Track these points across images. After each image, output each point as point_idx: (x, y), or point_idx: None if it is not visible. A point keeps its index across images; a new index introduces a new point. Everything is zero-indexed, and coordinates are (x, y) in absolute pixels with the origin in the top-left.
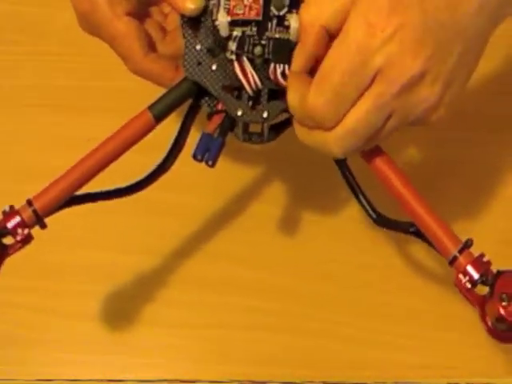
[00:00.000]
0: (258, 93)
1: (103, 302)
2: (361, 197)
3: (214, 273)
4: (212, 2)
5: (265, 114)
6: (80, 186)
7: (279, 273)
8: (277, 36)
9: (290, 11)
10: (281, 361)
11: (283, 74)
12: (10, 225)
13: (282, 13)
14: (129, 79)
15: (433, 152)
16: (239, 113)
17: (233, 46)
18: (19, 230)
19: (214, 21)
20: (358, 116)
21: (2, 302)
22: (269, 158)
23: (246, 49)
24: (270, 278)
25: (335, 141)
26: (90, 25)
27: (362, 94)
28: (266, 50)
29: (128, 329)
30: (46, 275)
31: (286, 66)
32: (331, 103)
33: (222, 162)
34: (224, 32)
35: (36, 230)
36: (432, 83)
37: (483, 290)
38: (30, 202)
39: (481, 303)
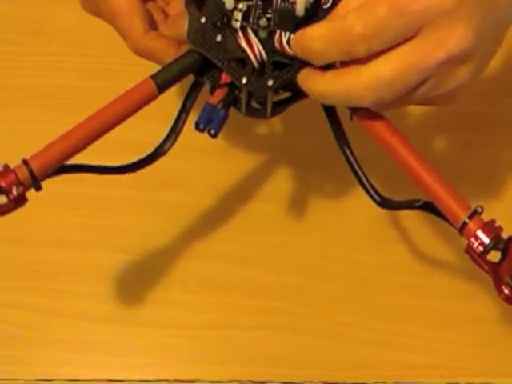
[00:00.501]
0: (262, 65)
1: (103, 303)
2: (364, 181)
3: (214, 273)
4: None
5: (270, 82)
6: (76, 150)
7: (279, 272)
8: (281, 10)
9: None
10: (281, 361)
11: (289, 43)
12: (3, 182)
13: None
14: (129, 79)
15: (438, 152)
16: (244, 80)
17: (238, 15)
18: (13, 189)
19: None
20: (397, 69)
21: (1, 302)
22: (270, 154)
23: (251, 20)
24: (269, 277)
25: (369, 86)
26: (91, 2)
27: (404, 41)
28: (272, 23)
29: (128, 329)
30: (46, 275)
31: (292, 35)
32: (371, 34)
33: (222, 158)
34: (229, 5)
35: (38, 231)
36: (472, 60)
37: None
38: (25, 162)
39: (494, 269)
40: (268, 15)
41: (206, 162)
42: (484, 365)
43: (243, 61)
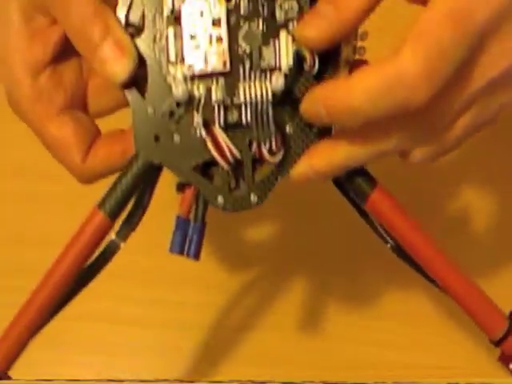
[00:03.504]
0: (237, 165)
1: (103, 303)
2: (376, 224)
3: (214, 273)
4: (157, 48)
5: (253, 198)
6: (42, 322)
7: (279, 272)
8: (253, 94)
9: (266, 42)
10: (281, 361)
11: (271, 151)
12: None
13: (254, 47)
14: None
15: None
16: (220, 200)
17: (198, 118)
18: None
19: (165, 78)
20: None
21: (2, 302)
22: None
23: (216, 119)
24: (269, 277)
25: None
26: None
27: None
28: (244, 112)
29: (128, 329)
30: None
31: (273, 140)
32: (435, 68)
33: None
34: (181, 95)
35: (38, 231)
36: None
37: None
38: None
39: None
40: (236, 99)
41: None
42: (484, 365)
43: (212, 162)
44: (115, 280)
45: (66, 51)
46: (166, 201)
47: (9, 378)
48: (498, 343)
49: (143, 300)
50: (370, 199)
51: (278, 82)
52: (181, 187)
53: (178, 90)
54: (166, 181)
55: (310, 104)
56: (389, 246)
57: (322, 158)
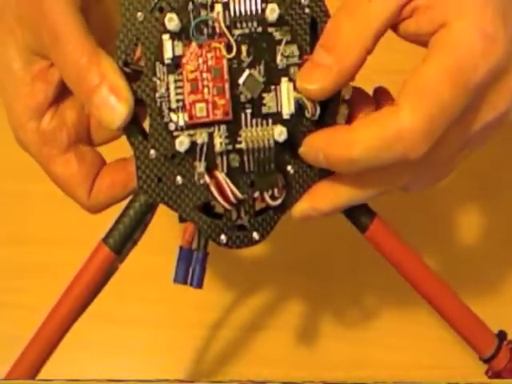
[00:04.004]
0: (239, 204)
1: (103, 302)
2: None
3: (214, 272)
4: (158, 94)
5: (255, 235)
6: (52, 348)
7: (279, 271)
8: (255, 142)
9: (267, 89)
10: (281, 361)
11: (273, 197)
12: None
13: (256, 94)
14: None
15: None
16: (223, 238)
17: (200, 167)
18: None
19: (166, 124)
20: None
21: (2, 302)
22: None
23: (219, 166)
24: (269, 277)
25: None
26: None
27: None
28: (246, 159)
29: (128, 329)
30: (47, 275)
31: (276, 191)
32: (435, 127)
33: None
34: (184, 146)
35: (38, 231)
36: None
37: None
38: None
39: None
40: (238, 145)
41: None
42: (483, 365)
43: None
44: (115, 280)
45: (66, 90)
46: None
47: None
48: (487, 361)
49: (143, 300)
50: (368, 230)
51: (281, 135)
52: (183, 218)
53: (181, 142)
54: None
55: (309, 149)
56: None
57: (325, 200)
